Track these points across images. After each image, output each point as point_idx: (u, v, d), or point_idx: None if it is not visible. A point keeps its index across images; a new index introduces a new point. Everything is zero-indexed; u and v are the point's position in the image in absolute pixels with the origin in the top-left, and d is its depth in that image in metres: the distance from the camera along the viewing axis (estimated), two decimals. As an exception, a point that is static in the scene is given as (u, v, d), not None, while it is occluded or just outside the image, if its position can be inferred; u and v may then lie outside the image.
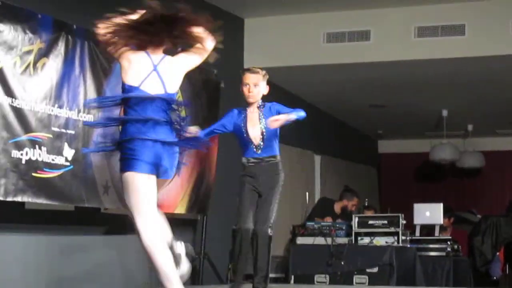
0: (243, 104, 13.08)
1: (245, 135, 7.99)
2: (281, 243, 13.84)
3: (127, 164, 6.27)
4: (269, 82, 13.85)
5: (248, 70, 8.16)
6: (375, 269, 11.51)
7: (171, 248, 6.58)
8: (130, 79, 6.40)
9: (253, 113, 8.02)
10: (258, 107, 8.06)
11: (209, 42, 6.64)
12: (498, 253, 13.45)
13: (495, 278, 13.40)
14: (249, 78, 7.98)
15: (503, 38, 11.91)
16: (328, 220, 12.76)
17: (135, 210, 6.27)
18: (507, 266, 14.06)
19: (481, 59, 12.28)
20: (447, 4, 12.09)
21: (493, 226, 13.26)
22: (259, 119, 8.00)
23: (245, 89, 7.99)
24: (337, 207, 13.57)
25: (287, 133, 14.40)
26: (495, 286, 12.59)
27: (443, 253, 12.21)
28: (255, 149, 8.01)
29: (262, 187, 8.09)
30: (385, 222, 12.10)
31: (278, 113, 7.96)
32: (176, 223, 11.29)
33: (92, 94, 9.47)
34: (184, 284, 11.12)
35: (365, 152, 18.91)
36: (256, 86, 7.96)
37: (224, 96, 11.97)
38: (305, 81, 14.14)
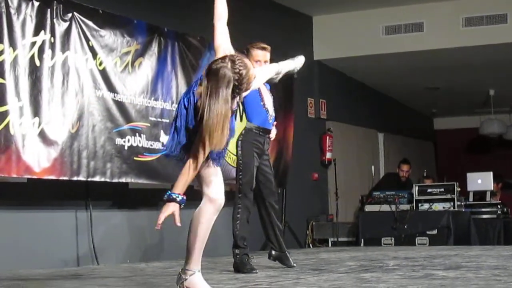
0: (313, 92, 13.11)
1: (261, 102, 7.08)
2: (351, 211, 13.79)
3: None
4: (335, 71, 13.85)
5: (259, 47, 7.14)
6: (435, 232, 11.42)
7: None
8: None
9: (262, 86, 7.06)
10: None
11: None
12: (544, 214, 13.25)
13: (542, 236, 13.20)
14: (261, 55, 7.05)
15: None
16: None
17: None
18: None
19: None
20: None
21: (539, 191, 13.08)
22: (268, 91, 7.28)
23: (257, 65, 6.91)
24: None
25: (353, 113, 14.41)
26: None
27: (494, 216, 12.07)
28: (269, 119, 7.11)
29: (265, 160, 7.18)
30: (442, 189, 12.00)
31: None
32: (260, 196, 11.34)
33: (183, 87, 9.50)
34: (267, 248, 11.17)
35: (422, 129, 18.75)
36: (266, 62, 7.04)
37: (296, 85, 11.92)
38: (367, 69, 14.07)
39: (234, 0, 11.12)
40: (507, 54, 12.81)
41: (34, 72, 7.64)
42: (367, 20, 12.72)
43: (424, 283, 5.14)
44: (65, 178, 7.92)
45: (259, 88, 6.91)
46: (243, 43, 10.69)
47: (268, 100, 7.01)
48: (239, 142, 6.86)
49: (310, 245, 12.34)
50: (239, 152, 6.85)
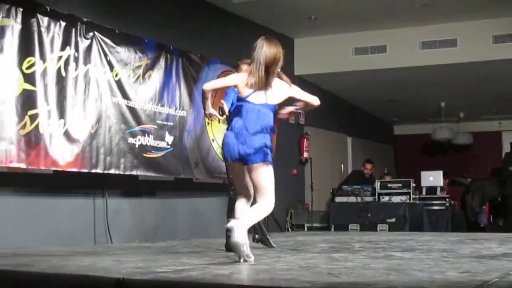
0: (293, 100, 13.10)
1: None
2: (323, 201, 13.81)
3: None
4: (312, 85, 13.85)
5: (248, 62, 6.38)
6: (393, 220, 11.45)
7: None
8: None
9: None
10: None
11: None
12: (484, 207, 13.31)
13: (482, 225, 13.25)
14: None
15: (486, 47, 11.74)
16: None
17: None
18: (491, 216, 13.91)
19: (468, 64, 12.13)
20: (443, 23, 11.94)
21: (480, 187, 13.14)
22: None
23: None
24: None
25: (327, 120, 14.43)
26: (482, 231, 12.43)
27: (443, 207, 12.11)
28: None
29: None
30: (400, 185, 12.03)
31: None
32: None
33: (185, 96, 9.52)
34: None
35: (384, 134, 18.77)
36: None
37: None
38: (339, 83, 14.09)
39: (226, 24, 11.25)
40: (456, 72, 12.85)
41: (61, 82, 7.64)
42: (339, 43, 12.74)
43: (384, 262, 5.16)
44: (85, 170, 7.92)
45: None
46: (234, 60, 10.75)
47: None
48: None
49: (289, 229, 12.35)
50: None
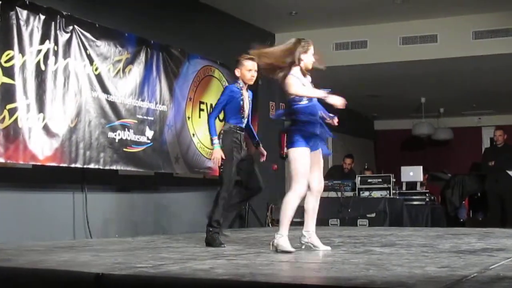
0: (275, 97, 13.11)
1: (241, 104, 6.68)
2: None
3: None
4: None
5: (251, 58, 6.67)
6: (373, 215, 11.47)
7: None
8: None
9: (245, 91, 6.74)
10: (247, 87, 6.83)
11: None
12: (463, 202, 13.37)
13: (461, 220, 13.31)
14: (254, 65, 6.64)
15: (466, 43, 11.79)
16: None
17: None
18: (471, 211, 13.98)
19: (449, 60, 12.17)
20: (423, 19, 11.98)
21: (459, 182, 13.17)
22: (248, 96, 6.82)
23: (249, 74, 6.63)
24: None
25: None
26: (462, 226, 12.49)
27: (423, 202, 12.15)
28: (243, 119, 6.75)
29: (244, 153, 7.02)
30: (380, 180, 12.06)
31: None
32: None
33: (165, 90, 9.49)
34: (234, 226, 11.18)
35: (364, 129, 18.82)
36: (256, 71, 6.65)
37: (260, 90, 11.92)
38: (320, 78, 14.04)
39: (206, 18, 11.22)
40: (436, 68, 12.89)
41: (40, 75, 7.59)
42: (320, 38, 12.68)
43: (364, 257, 5.17)
44: (65, 165, 7.88)
45: (242, 97, 6.69)
46: (215, 55, 10.76)
47: (247, 105, 6.83)
48: (220, 139, 6.69)
49: (270, 224, 12.33)
50: (222, 148, 6.67)
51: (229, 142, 6.70)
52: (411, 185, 12.67)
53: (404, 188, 12.56)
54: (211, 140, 6.64)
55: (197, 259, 5.08)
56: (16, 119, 7.27)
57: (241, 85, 6.74)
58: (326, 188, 12.12)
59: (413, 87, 14.76)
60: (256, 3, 11.15)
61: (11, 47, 7.28)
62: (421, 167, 12.69)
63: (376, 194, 11.80)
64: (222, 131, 6.74)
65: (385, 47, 12.23)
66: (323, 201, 12.19)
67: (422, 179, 12.74)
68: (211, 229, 6.66)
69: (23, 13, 7.43)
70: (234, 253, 5.75)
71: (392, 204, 11.66)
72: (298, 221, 7.56)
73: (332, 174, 13.35)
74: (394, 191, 11.98)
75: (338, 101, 5.94)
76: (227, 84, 10.90)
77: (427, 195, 12.28)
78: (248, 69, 6.66)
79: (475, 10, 11.48)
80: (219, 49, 11.19)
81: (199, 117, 10.25)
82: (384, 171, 13.36)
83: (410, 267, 4.38)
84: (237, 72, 6.76)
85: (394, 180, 12.12)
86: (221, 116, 6.89)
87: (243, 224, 11.42)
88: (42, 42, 7.63)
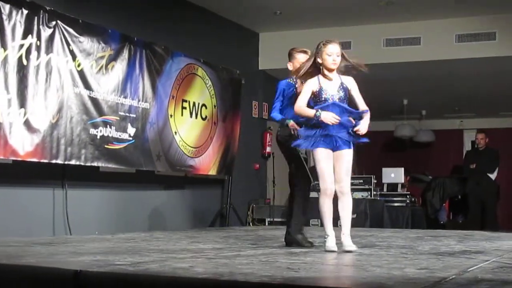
0: (257, 96, 13.10)
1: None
2: (285, 196, 13.80)
3: None
4: (276, 79, 13.83)
5: (301, 50, 6.54)
6: (354, 216, 11.40)
7: None
8: None
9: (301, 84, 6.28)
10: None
11: None
12: (444, 204, 13.42)
13: (442, 222, 13.37)
14: (303, 58, 6.36)
15: (448, 46, 11.85)
16: None
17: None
18: (451, 213, 14.05)
19: (431, 62, 12.23)
20: (407, 22, 12.03)
21: (440, 184, 13.23)
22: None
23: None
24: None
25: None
26: (442, 228, 12.54)
27: (404, 204, 12.20)
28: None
29: None
30: (361, 181, 12.10)
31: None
32: (210, 181, 11.38)
33: (148, 88, 9.46)
34: (215, 225, 11.16)
35: (347, 130, 18.86)
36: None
37: (243, 89, 11.95)
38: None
39: (191, 16, 11.20)
40: (419, 70, 12.94)
41: (22, 70, 7.54)
42: (304, 38, 12.68)
43: (343, 258, 5.18)
44: (45, 161, 7.83)
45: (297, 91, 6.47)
46: (198, 53, 10.75)
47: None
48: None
49: (251, 223, 12.35)
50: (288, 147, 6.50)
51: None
52: (392, 186, 12.72)
53: (385, 189, 12.60)
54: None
55: (177, 257, 5.07)
56: (-3, 114, 7.22)
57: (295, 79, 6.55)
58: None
59: (395, 89, 14.80)
60: (241, 2, 11.14)
61: (-7, 42, 7.24)
62: (403, 168, 12.75)
63: (357, 195, 11.82)
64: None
65: (369, 48, 12.25)
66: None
67: (403, 181, 12.79)
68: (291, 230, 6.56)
69: (6, 7, 7.38)
70: (214, 252, 5.74)
71: (373, 205, 11.69)
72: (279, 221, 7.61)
73: (312, 174, 13.34)
74: (375, 193, 12.02)
75: (328, 119, 5.85)
76: (210, 83, 10.91)
77: (408, 196, 12.33)
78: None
79: (458, 14, 11.54)
80: (203, 48, 11.18)
81: (182, 115, 10.23)
82: (365, 172, 13.38)
83: (389, 268, 4.38)
84: (290, 66, 6.66)
85: (375, 181, 12.16)
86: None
87: (224, 223, 11.41)
88: (24, 36, 7.58)
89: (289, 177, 6.86)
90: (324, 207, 6.05)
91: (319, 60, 6.01)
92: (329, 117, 5.85)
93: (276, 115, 6.64)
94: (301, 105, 5.95)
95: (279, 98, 6.70)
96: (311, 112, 5.87)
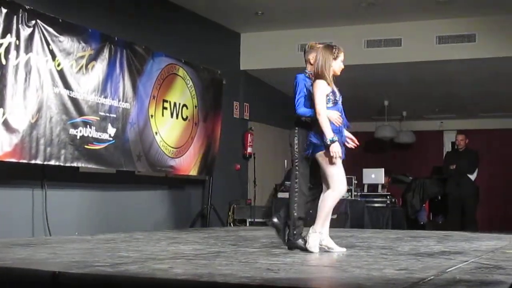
0: (238, 96, 13.10)
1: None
2: (266, 196, 13.83)
3: None
4: (257, 80, 13.83)
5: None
6: (335, 216, 11.42)
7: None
8: None
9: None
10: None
11: None
12: (424, 205, 13.47)
13: (422, 223, 13.42)
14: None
15: (429, 48, 11.90)
16: None
17: None
18: (431, 214, 14.10)
19: (412, 64, 12.28)
20: (388, 23, 12.07)
21: (420, 185, 13.27)
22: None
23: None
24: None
25: (271, 116, 14.44)
26: (422, 229, 12.59)
27: (384, 205, 12.23)
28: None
29: None
30: (342, 182, 12.08)
31: None
32: (191, 182, 11.36)
33: (128, 88, 9.42)
34: (196, 226, 11.14)
35: (328, 131, 18.87)
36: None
37: (225, 90, 11.94)
38: (284, 79, 14.03)
39: (171, 16, 11.18)
40: (400, 71, 12.99)
41: (0, 70, 7.48)
42: (286, 39, 12.76)
43: (323, 259, 5.18)
44: (25, 161, 7.77)
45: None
46: (179, 54, 10.73)
47: None
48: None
49: (231, 224, 12.33)
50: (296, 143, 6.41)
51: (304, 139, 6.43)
52: (373, 187, 12.74)
53: (365, 190, 12.62)
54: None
55: (156, 259, 5.05)
56: (-25, 114, 7.17)
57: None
58: (287, 189, 12.24)
59: (376, 90, 14.84)
60: (222, 2, 11.13)
61: (-29, 41, 7.19)
62: (383, 169, 12.78)
63: (337, 195, 11.81)
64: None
65: (350, 49, 12.18)
66: (286, 201, 12.30)
67: (383, 182, 12.82)
68: (295, 231, 6.45)
69: (-15, 6, 7.33)
70: (194, 252, 5.73)
71: (354, 206, 11.72)
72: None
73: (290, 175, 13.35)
74: (355, 193, 12.03)
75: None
76: (191, 83, 10.89)
77: (388, 197, 12.36)
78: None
79: (439, 15, 11.59)
80: (184, 48, 11.16)
81: (162, 115, 10.20)
82: (346, 173, 13.40)
83: (368, 269, 4.40)
84: (312, 59, 6.55)
85: (356, 182, 12.17)
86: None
87: (205, 223, 11.39)
88: (3, 35, 7.52)
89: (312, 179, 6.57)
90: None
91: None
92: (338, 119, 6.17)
93: (305, 110, 6.40)
94: (326, 114, 6.06)
95: (302, 92, 6.46)
96: (331, 132, 6.02)
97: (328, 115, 6.00)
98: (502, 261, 5.20)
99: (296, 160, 6.46)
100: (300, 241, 6.28)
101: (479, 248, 6.59)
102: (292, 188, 6.53)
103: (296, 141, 6.45)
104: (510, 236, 9.39)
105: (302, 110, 6.40)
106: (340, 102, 6.25)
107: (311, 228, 6.16)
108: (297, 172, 6.46)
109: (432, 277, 3.97)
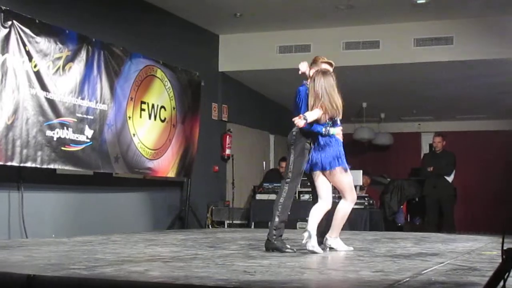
0: (217, 98, 13.09)
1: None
2: (244, 198, 13.84)
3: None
4: (236, 81, 13.83)
5: (326, 61, 7.03)
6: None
7: None
8: None
9: None
10: None
11: None
12: (402, 207, 13.53)
13: (399, 224, 13.47)
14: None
15: (407, 50, 11.96)
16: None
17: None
18: (408, 216, 14.16)
19: (390, 66, 12.34)
20: (366, 25, 12.11)
21: (398, 187, 13.33)
22: None
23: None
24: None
25: (250, 118, 14.45)
26: (399, 230, 12.64)
27: (362, 206, 12.24)
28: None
29: None
30: (320, 183, 12.09)
31: None
32: (169, 183, 11.33)
33: (106, 89, 9.38)
34: (174, 227, 11.12)
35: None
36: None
37: (203, 91, 11.93)
38: (263, 81, 14.12)
39: (150, 18, 11.15)
40: (378, 73, 13.04)
41: (-24, 71, 7.43)
42: (264, 40, 12.78)
43: (300, 261, 5.19)
44: (0, 163, 7.71)
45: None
46: (157, 55, 10.71)
47: None
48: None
49: (210, 226, 12.32)
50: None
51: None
52: (351, 189, 12.75)
53: (344, 192, 12.63)
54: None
55: (133, 261, 5.04)
56: (-50, 115, 7.11)
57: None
58: (267, 191, 12.28)
59: (354, 92, 14.87)
60: (200, 3, 11.11)
61: None
62: (361, 171, 12.81)
63: (316, 197, 11.84)
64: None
65: (328, 51, 12.23)
66: (264, 203, 12.35)
67: (362, 183, 12.85)
68: (275, 232, 6.51)
69: (-40, 7, 7.28)
70: (171, 255, 5.72)
71: (332, 208, 11.71)
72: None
73: (269, 177, 13.37)
74: (334, 195, 12.03)
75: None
76: (169, 84, 10.87)
77: (366, 199, 12.39)
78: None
79: (417, 18, 11.66)
80: (162, 49, 11.14)
81: (140, 117, 10.18)
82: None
83: (345, 271, 4.41)
84: (311, 72, 6.91)
85: (334, 183, 12.19)
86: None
87: (183, 225, 11.38)
88: (-21, 37, 7.48)
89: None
90: None
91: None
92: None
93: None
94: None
95: (305, 104, 6.77)
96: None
97: (335, 132, 6.57)
98: (478, 262, 5.24)
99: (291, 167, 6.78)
100: (278, 243, 6.30)
101: (456, 250, 6.64)
102: (281, 191, 6.65)
103: (292, 148, 6.71)
104: (486, 237, 9.47)
105: (313, 126, 6.58)
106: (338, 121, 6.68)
107: (329, 237, 6.70)
108: (289, 178, 6.79)
109: (407, 279, 3.99)
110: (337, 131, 6.57)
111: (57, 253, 5.70)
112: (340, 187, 6.69)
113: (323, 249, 6.23)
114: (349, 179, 6.70)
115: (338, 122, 6.58)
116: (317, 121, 6.38)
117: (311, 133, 6.50)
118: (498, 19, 11.04)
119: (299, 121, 6.13)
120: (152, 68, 10.50)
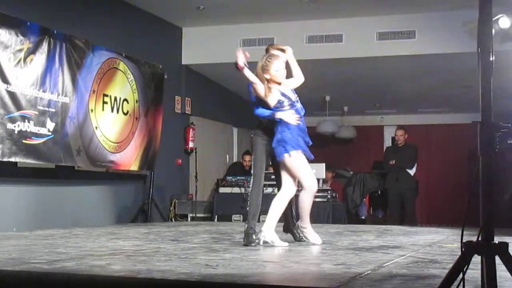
0: (180, 91, 13.06)
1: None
2: (208, 191, 13.83)
3: None
4: (199, 74, 13.79)
5: (278, 48, 7.04)
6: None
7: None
8: None
9: None
10: None
11: None
12: (364, 200, 13.62)
13: (362, 217, 13.57)
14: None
15: (370, 44, 12.03)
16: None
17: None
18: (371, 208, 14.27)
19: (353, 59, 12.41)
20: (329, 19, 12.16)
21: (361, 180, 13.41)
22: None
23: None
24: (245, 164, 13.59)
25: (213, 111, 14.44)
26: (362, 223, 12.74)
27: (325, 199, 12.30)
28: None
29: None
30: (284, 176, 12.13)
31: None
32: (131, 177, 11.28)
33: (68, 81, 9.30)
34: (137, 221, 11.07)
35: (270, 126, 18.92)
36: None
37: (166, 84, 11.88)
38: (226, 74, 14.07)
39: (112, 9, 11.06)
40: (341, 67, 13.10)
41: None
42: (228, 33, 12.76)
43: (262, 254, 5.20)
44: (-40, 156, 7.63)
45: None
46: (120, 48, 10.63)
47: None
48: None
49: (173, 219, 12.29)
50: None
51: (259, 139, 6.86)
52: (314, 182, 12.80)
53: (307, 185, 12.68)
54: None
55: (95, 255, 5.01)
56: None
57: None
58: (230, 184, 12.29)
59: (318, 85, 14.93)
60: (163, -4, 11.07)
61: None
62: (324, 164, 12.86)
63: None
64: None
65: (291, 45, 12.07)
66: (227, 196, 12.35)
67: (325, 176, 12.90)
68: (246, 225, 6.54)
69: None
70: (134, 248, 5.70)
71: (295, 201, 11.75)
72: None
73: (233, 170, 13.39)
74: (297, 188, 12.08)
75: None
76: (132, 77, 10.81)
77: (329, 192, 12.45)
78: None
79: (380, 12, 11.73)
80: (125, 42, 11.07)
81: (103, 110, 10.11)
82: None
83: (307, 264, 4.43)
84: None
85: (297, 177, 12.23)
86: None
87: (146, 218, 11.34)
88: None
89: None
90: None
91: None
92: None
93: (262, 110, 6.72)
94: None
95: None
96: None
97: (283, 116, 6.33)
98: (439, 255, 5.30)
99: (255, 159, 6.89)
100: (254, 237, 6.32)
101: (417, 243, 6.70)
102: (254, 186, 6.72)
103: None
104: (448, 230, 9.58)
105: (259, 110, 6.64)
106: (298, 105, 6.41)
107: (300, 226, 6.72)
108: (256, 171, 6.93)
109: (369, 272, 4.02)
110: (287, 115, 6.36)
111: (18, 247, 5.65)
112: (294, 175, 6.59)
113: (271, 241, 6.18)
114: (297, 164, 6.46)
115: (298, 107, 6.44)
116: (266, 106, 6.44)
117: (267, 127, 6.40)
118: (459, 13, 11.14)
119: (239, 54, 6.46)
120: (114, 60, 10.43)
